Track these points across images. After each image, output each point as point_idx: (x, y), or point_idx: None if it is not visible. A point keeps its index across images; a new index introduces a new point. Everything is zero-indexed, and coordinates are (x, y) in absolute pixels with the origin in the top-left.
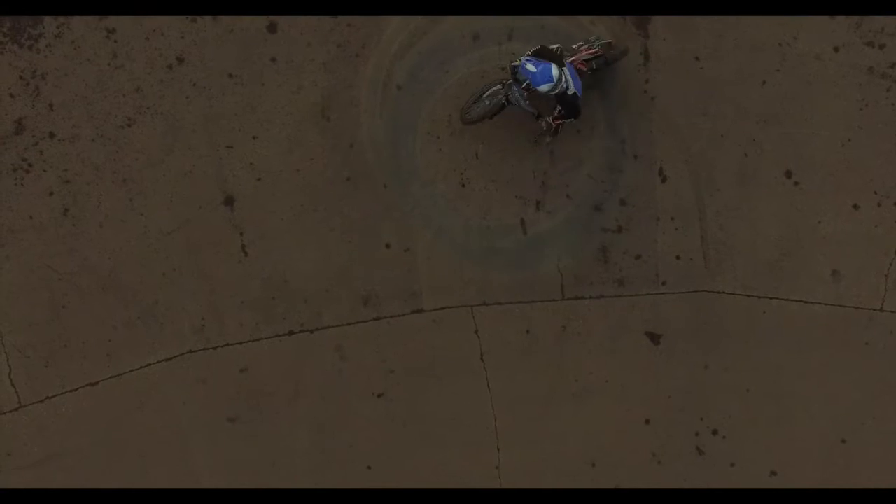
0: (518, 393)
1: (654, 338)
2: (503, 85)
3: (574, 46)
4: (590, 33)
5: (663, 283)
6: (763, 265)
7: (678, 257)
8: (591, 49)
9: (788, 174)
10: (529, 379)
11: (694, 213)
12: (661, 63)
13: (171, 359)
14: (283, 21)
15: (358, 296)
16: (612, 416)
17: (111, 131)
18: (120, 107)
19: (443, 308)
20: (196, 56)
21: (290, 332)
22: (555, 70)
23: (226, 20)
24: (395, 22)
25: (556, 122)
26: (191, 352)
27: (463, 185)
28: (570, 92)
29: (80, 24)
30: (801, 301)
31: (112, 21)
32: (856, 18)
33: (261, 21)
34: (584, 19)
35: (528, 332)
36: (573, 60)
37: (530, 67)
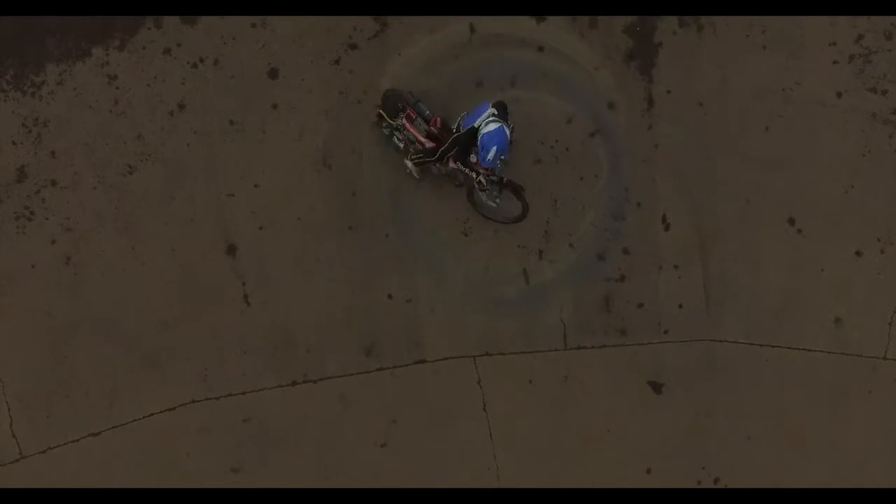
0: (520, 443)
1: (657, 387)
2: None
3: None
4: (592, 77)
5: (665, 332)
6: (766, 313)
7: (681, 305)
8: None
9: (791, 221)
10: (532, 429)
11: (696, 260)
12: (664, 109)
13: (174, 408)
14: (283, 67)
15: (360, 346)
16: (614, 465)
17: (113, 178)
18: (121, 154)
19: (445, 358)
20: (197, 102)
21: (294, 383)
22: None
23: (227, 66)
24: (397, 65)
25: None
26: (193, 401)
27: (465, 235)
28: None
29: (82, 71)
30: (803, 349)
31: (113, 67)
32: (859, 64)
33: (262, 67)
34: (589, 65)
35: (530, 381)
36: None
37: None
